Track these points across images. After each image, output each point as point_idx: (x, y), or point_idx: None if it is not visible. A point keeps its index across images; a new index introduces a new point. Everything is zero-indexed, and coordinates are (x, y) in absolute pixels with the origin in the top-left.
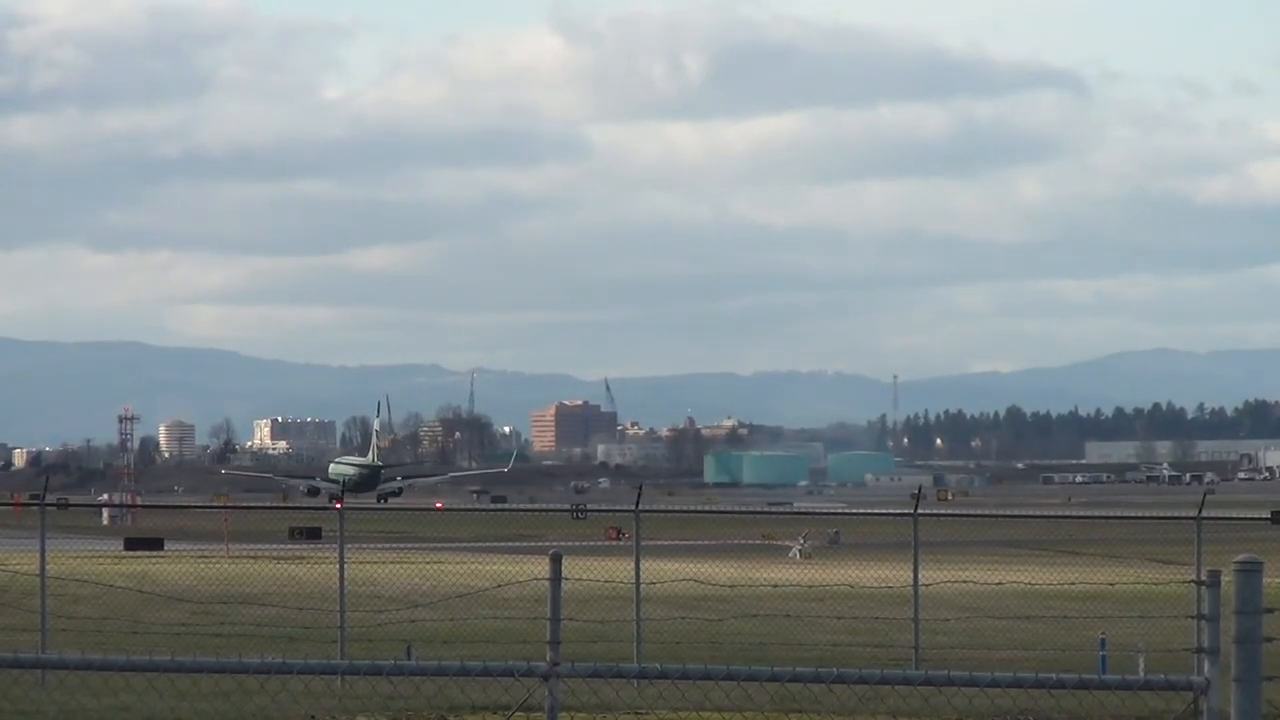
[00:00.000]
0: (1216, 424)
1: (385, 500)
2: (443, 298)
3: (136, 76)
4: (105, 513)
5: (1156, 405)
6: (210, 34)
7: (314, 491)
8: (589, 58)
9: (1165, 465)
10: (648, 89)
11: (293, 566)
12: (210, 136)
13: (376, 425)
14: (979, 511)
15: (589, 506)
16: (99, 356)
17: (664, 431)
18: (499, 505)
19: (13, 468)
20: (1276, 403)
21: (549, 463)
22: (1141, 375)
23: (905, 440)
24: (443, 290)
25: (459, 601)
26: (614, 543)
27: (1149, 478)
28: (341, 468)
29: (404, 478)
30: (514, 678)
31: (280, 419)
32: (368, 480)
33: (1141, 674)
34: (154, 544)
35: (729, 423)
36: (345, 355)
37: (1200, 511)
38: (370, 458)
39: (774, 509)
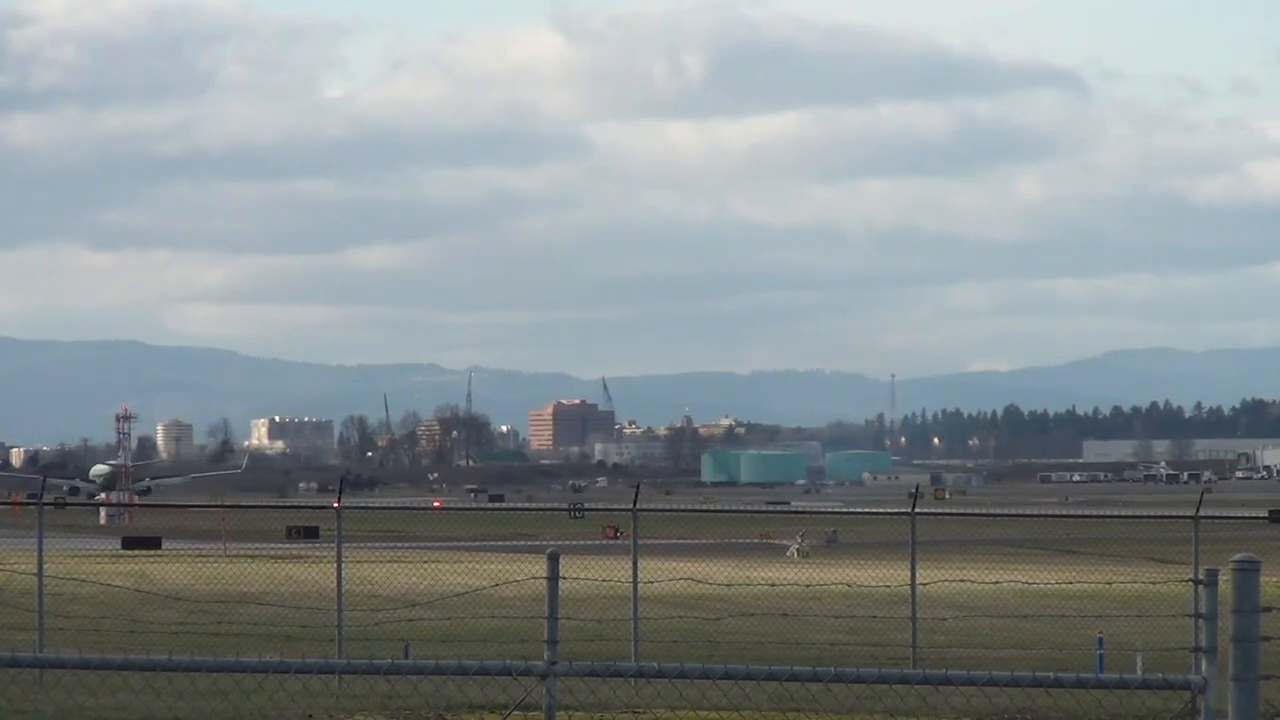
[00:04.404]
0: (1214, 423)
1: (139, 497)
2: (441, 297)
3: (137, 75)
4: (103, 512)
5: (1154, 404)
6: (211, 33)
7: (75, 490)
8: (589, 56)
9: (1163, 464)
10: (647, 88)
11: (290, 566)
12: (210, 135)
13: (126, 429)
14: (976, 511)
15: (586, 505)
16: (97, 355)
17: (661, 430)
18: (496, 504)
19: (10, 467)
20: (1274, 401)
21: (546, 462)
22: (1139, 374)
23: (903, 439)
24: (441, 289)
25: (457, 600)
26: (611, 542)
27: (1146, 477)
28: (99, 469)
29: (152, 478)
30: (512, 677)
31: (278, 418)
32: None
33: (1139, 673)
34: (151, 543)
35: (726, 422)
36: (343, 354)
37: (1198, 510)
38: (121, 458)
39: (771, 508)
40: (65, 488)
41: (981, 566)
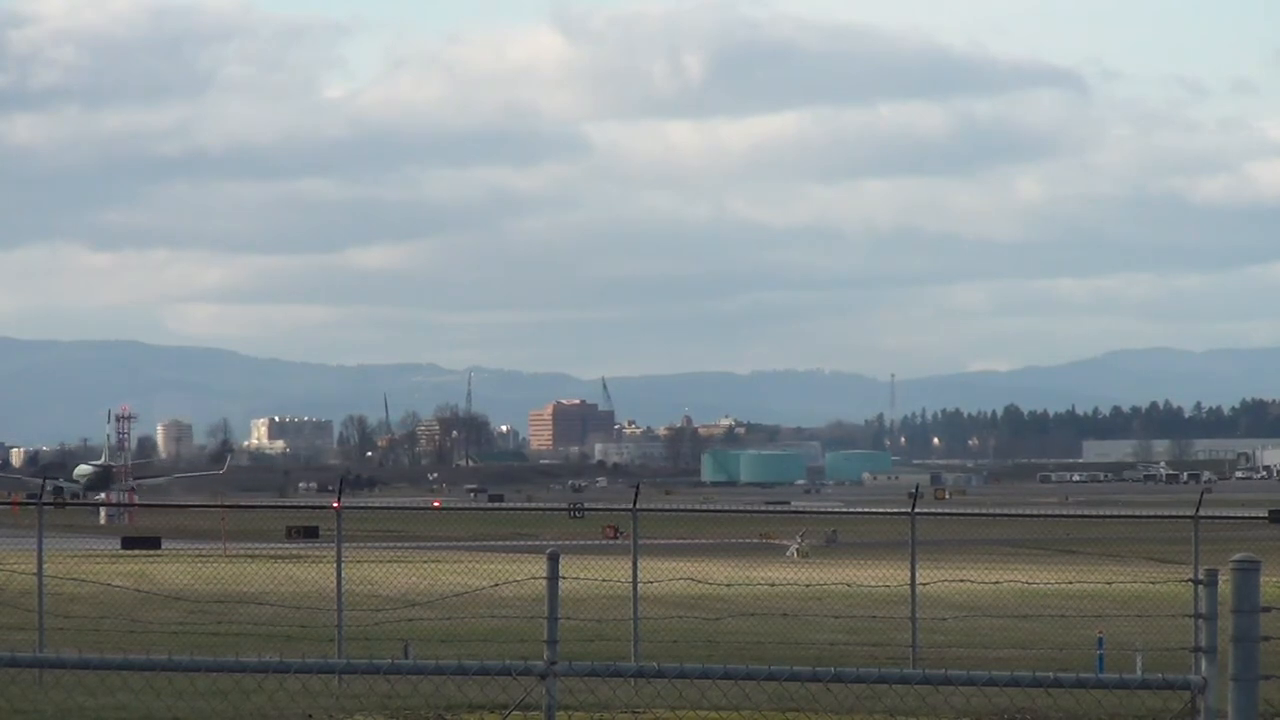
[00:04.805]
0: (1214, 423)
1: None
2: (441, 297)
3: (137, 75)
4: (103, 512)
5: (1154, 404)
6: (211, 33)
7: (58, 490)
8: (589, 56)
9: (1162, 464)
10: (647, 88)
11: (290, 565)
12: (210, 135)
13: (109, 429)
14: (976, 510)
15: (586, 505)
16: (97, 355)
17: (661, 430)
18: (496, 504)
19: (10, 467)
20: (1274, 401)
21: (546, 462)
22: (1139, 374)
23: (902, 439)
24: (441, 289)
25: (456, 600)
26: (611, 541)
27: (1146, 476)
28: (83, 469)
29: (135, 478)
30: (511, 676)
31: (278, 418)
32: (102, 480)
33: (1139, 673)
34: (151, 543)
35: (726, 421)
36: (343, 354)
37: (1198, 510)
38: (104, 459)
39: (771, 508)
40: (50, 487)
41: (981, 566)
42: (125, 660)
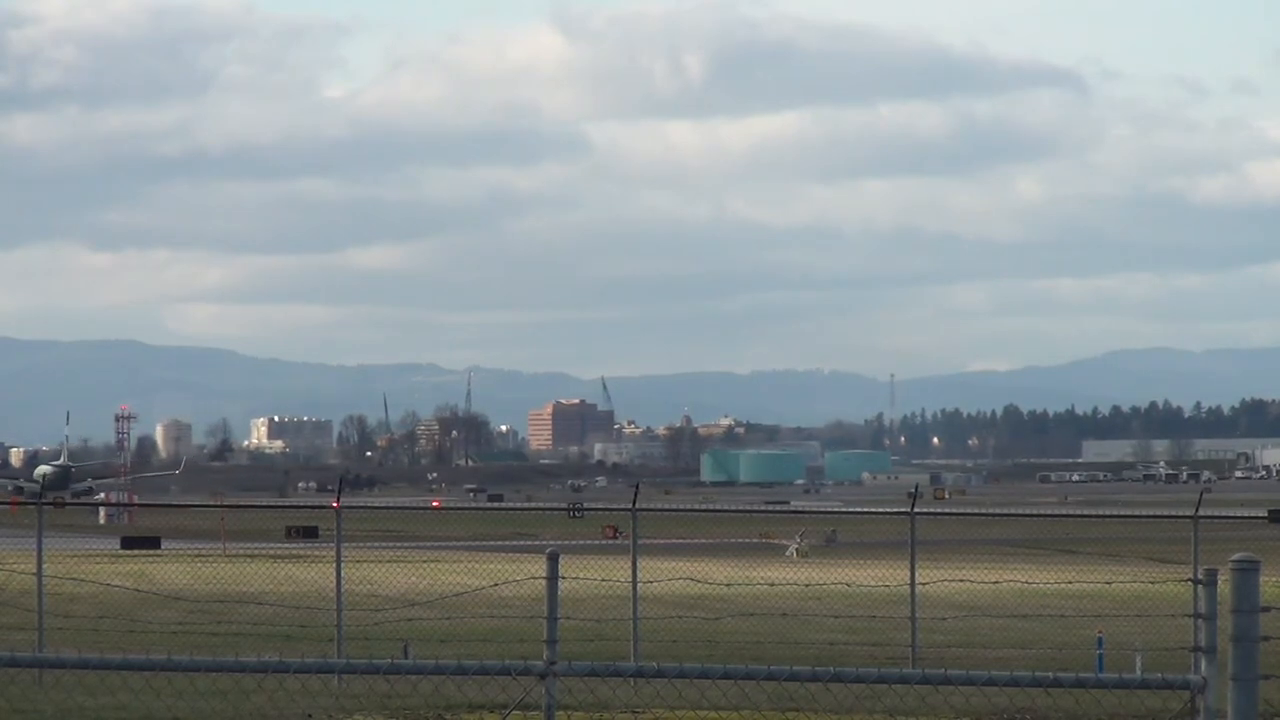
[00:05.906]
0: (1213, 423)
1: (78, 496)
2: (441, 296)
3: (137, 75)
4: (102, 512)
5: (1153, 404)
6: (212, 33)
7: (19, 489)
8: (589, 56)
9: (1162, 464)
10: (647, 88)
11: (290, 565)
12: (210, 135)
13: (67, 432)
14: (976, 510)
15: (586, 505)
16: (97, 355)
17: (661, 430)
18: (496, 504)
19: (10, 467)
20: (1273, 401)
21: (546, 461)
22: (1139, 374)
23: (902, 439)
24: (441, 289)
25: (456, 600)
26: (611, 541)
27: (1146, 476)
28: (43, 469)
29: (93, 479)
30: (511, 676)
31: (277, 418)
32: (61, 480)
33: (1139, 673)
34: (151, 543)
35: (726, 421)
36: (343, 354)
37: (1197, 510)
38: (63, 459)
39: (771, 508)
40: (10, 487)
41: (981, 566)
42: (125, 660)
